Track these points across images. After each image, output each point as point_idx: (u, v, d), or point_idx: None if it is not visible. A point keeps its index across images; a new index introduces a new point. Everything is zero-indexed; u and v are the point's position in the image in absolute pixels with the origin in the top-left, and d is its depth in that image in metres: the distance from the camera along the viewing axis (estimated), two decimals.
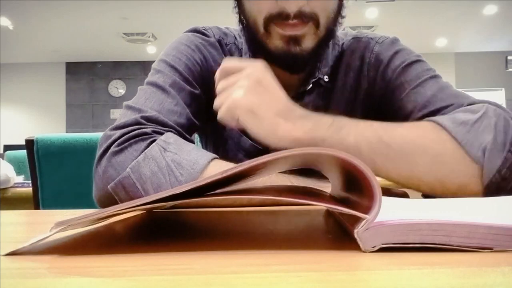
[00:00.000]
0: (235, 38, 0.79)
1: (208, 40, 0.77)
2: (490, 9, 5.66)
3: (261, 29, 0.66)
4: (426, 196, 0.60)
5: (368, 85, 0.76)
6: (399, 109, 0.70)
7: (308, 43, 0.66)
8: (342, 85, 0.77)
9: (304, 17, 0.64)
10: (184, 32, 0.79)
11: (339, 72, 0.77)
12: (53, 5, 5.22)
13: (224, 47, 0.78)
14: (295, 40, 0.65)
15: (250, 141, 0.77)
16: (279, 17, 0.64)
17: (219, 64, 0.77)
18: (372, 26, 6.04)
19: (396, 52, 0.74)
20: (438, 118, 0.59)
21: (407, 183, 0.55)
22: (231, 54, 0.78)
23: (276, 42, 0.66)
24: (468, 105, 0.63)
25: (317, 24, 0.65)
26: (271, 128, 0.54)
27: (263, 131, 0.54)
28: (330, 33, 0.69)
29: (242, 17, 0.71)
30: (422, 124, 0.59)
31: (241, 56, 0.78)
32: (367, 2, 5.25)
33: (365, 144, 0.54)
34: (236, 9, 0.72)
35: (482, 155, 0.53)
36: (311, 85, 0.75)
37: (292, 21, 0.63)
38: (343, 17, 0.71)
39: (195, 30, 0.78)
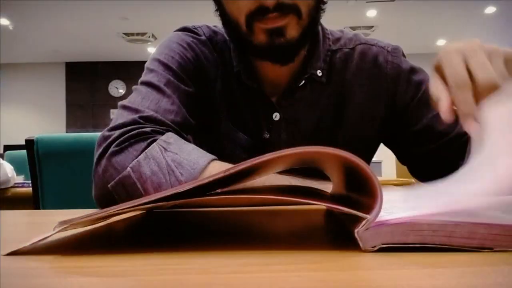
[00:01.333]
0: (225, 36, 0.79)
1: (199, 39, 0.77)
2: (490, 9, 5.66)
3: (244, 27, 0.66)
4: None
5: (388, 97, 0.76)
6: (428, 123, 0.72)
7: (292, 33, 0.65)
8: (358, 89, 0.76)
9: (284, 9, 0.63)
10: (174, 31, 0.79)
11: (349, 73, 0.77)
12: (53, 5, 5.22)
13: (215, 45, 0.78)
14: (278, 32, 0.65)
15: (245, 137, 0.77)
16: (259, 13, 0.63)
17: (210, 62, 0.77)
18: (372, 26, 6.04)
19: (414, 67, 0.77)
20: None
21: None
22: (222, 52, 0.78)
23: (259, 37, 0.66)
24: None
25: (299, 14, 0.65)
26: None
27: None
28: (313, 21, 0.69)
29: (224, 19, 0.71)
30: None
31: (230, 54, 0.78)
32: (367, 2, 5.25)
33: None
34: (218, 12, 0.72)
35: None
36: (303, 82, 0.75)
37: (272, 15, 0.63)
38: (325, 3, 0.71)
39: (185, 29, 0.79)
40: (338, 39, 0.79)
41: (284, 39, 0.65)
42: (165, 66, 0.71)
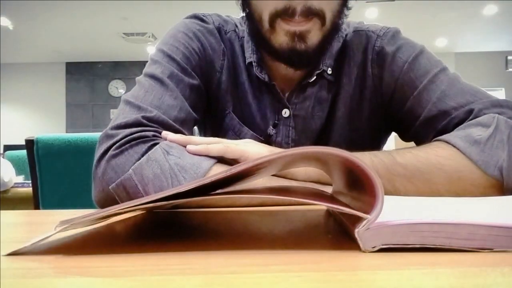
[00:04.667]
0: (236, 26, 0.79)
1: (206, 27, 0.76)
2: (490, 9, 5.66)
3: (266, 24, 0.65)
4: None
5: (373, 83, 0.75)
6: (411, 106, 0.70)
7: (314, 39, 0.65)
8: (347, 80, 0.76)
9: (310, 13, 0.63)
10: (183, 18, 0.78)
11: (344, 66, 0.76)
12: (53, 5, 5.22)
13: (224, 35, 0.77)
14: (300, 36, 0.64)
15: (251, 131, 0.76)
16: (285, 13, 0.63)
17: (217, 52, 0.76)
18: None
19: (400, 47, 0.73)
20: (448, 137, 0.59)
21: None
22: (231, 42, 0.77)
23: (281, 38, 0.65)
24: (477, 110, 0.62)
25: (323, 20, 0.65)
26: None
27: None
28: (335, 27, 0.69)
29: (247, 11, 0.70)
30: (433, 144, 0.60)
31: (242, 44, 0.77)
32: (367, 2, 5.25)
33: (381, 165, 0.55)
34: (240, 2, 0.71)
35: (500, 174, 0.54)
36: (314, 77, 0.74)
37: (297, 18, 0.63)
38: (349, 8, 0.70)
39: (194, 16, 0.78)
40: (346, 35, 0.77)
41: (305, 45, 0.65)
42: (169, 57, 0.70)
